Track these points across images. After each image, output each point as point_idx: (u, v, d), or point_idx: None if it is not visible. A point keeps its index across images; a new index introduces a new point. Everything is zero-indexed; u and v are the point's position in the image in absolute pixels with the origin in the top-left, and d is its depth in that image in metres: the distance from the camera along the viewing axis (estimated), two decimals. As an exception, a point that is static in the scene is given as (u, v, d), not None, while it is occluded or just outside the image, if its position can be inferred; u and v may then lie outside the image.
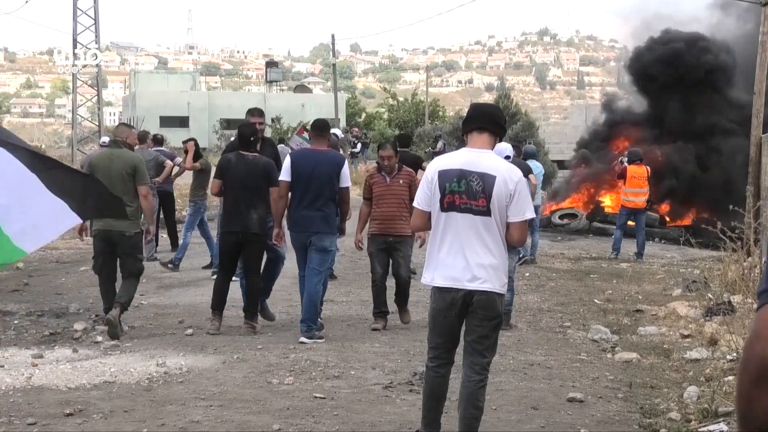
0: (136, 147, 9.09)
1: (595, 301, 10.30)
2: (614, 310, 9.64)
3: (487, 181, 4.54)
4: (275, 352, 7.17)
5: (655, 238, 18.12)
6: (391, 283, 8.45)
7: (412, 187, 8.05)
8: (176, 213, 14.80)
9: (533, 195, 13.77)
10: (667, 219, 20.67)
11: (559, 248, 16.34)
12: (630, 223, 15.11)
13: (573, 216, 20.16)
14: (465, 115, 5.04)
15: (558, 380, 6.53)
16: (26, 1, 41.48)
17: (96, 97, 37.42)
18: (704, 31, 23.50)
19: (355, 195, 11.06)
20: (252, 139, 8.09)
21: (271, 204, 7.84)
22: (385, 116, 54.28)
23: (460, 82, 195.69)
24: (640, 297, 10.58)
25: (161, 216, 13.27)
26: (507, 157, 7.83)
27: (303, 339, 7.55)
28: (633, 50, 24.74)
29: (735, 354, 6.62)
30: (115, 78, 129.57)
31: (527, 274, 12.28)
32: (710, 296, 9.15)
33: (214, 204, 17.46)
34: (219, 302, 8.02)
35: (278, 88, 66.65)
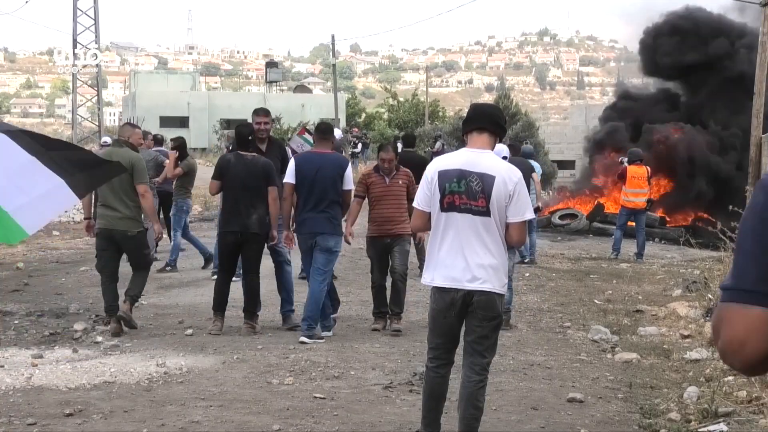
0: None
1: (595, 301, 10.30)
2: (614, 310, 9.64)
3: (486, 181, 4.54)
4: (275, 352, 7.17)
5: (655, 238, 18.12)
6: (389, 283, 8.43)
7: (410, 188, 8.06)
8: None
9: (537, 194, 13.80)
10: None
11: (559, 248, 16.33)
12: (630, 223, 15.11)
13: (573, 216, 20.16)
14: (465, 115, 5.04)
15: (558, 380, 6.53)
16: (26, 1, 41.51)
17: (96, 98, 37.44)
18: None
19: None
20: (250, 138, 8.11)
21: (270, 204, 7.86)
22: (385, 116, 54.24)
23: (460, 82, 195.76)
24: (640, 297, 10.57)
25: (161, 216, 13.25)
26: (504, 158, 7.83)
27: (303, 338, 7.55)
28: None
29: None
30: (115, 78, 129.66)
31: (527, 274, 12.28)
32: (710, 296, 9.15)
33: (214, 204, 17.46)
34: (220, 303, 8.02)
35: (278, 88, 66.63)
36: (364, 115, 57.08)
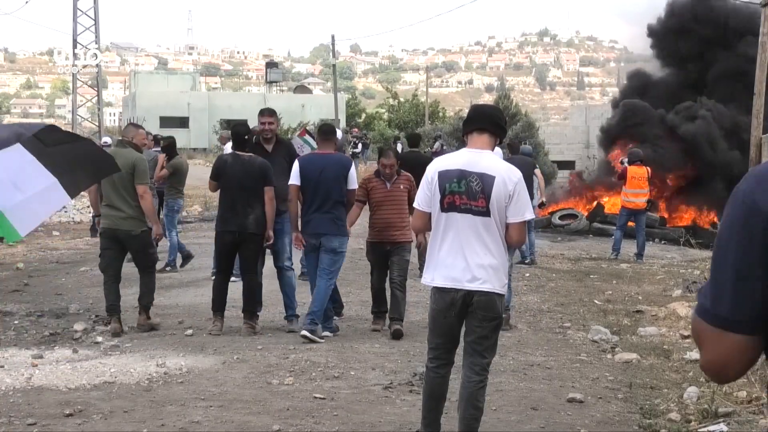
0: None
1: (595, 301, 10.29)
2: (614, 310, 9.64)
3: (486, 181, 4.54)
4: (275, 352, 7.16)
5: (655, 238, 18.12)
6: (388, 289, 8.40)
7: (411, 192, 8.01)
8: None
9: (541, 191, 13.81)
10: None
11: (559, 249, 16.33)
12: (630, 223, 15.12)
13: (573, 216, 20.16)
14: (465, 115, 5.04)
15: (558, 381, 6.53)
16: (26, 2, 41.52)
17: (96, 98, 37.45)
18: None
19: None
20: (246, 138, 8.13)
21: (267, 204, 7.86)
22: (385, 116, 54.26)
23: (460, 82, 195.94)
24: (640, 297, 10.57)
25: (161, 216, 13.26)
26: (503, 159, 7.84)
27: (304, 332, 7.51)
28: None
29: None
30: (115, 78, 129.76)
31: (527, 275, 12.28)
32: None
33: (214, 204, 17.45)
34: (219, 303, 8.02)
35: (278, 88, 66.67)
36: (364, 116, 57.12)
